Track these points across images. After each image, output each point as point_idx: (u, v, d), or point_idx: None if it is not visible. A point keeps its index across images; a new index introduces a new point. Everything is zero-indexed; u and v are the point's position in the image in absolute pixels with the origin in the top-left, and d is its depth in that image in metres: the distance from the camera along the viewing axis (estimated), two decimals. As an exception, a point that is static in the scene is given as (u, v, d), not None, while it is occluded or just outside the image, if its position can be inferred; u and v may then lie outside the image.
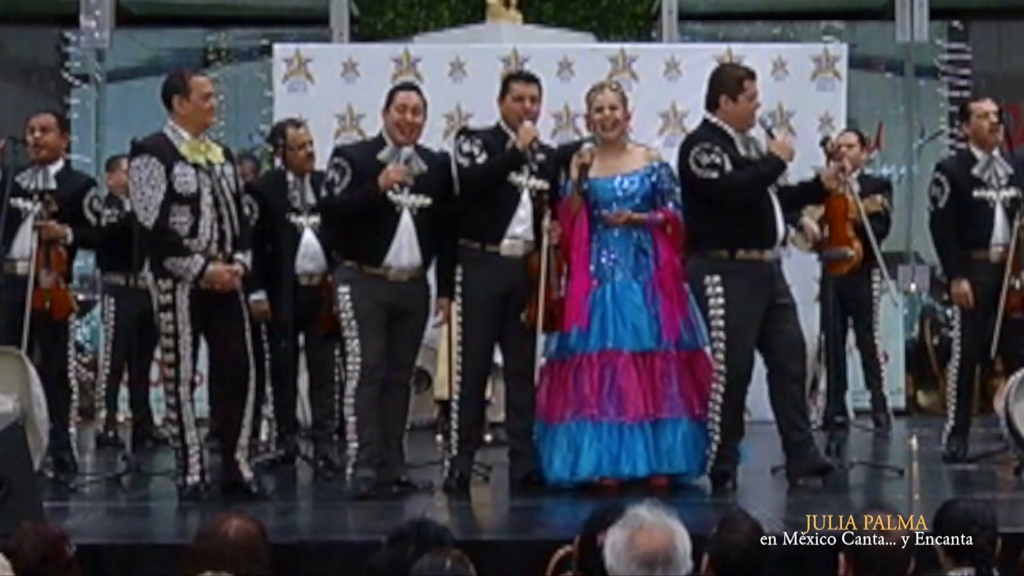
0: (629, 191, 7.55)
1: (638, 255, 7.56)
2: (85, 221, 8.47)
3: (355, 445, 7.39)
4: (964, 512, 4.64)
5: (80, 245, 8.61)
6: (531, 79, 7.85)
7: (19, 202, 8.30)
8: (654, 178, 7.60)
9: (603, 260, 7.55)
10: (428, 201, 7.43)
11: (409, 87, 7.79)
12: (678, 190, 7.62)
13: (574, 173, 7.55)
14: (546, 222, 7.46)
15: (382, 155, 7.44)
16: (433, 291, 7.62)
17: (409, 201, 7.41)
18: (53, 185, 8.36)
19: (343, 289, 7.43)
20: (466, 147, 7.59)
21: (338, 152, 7.68)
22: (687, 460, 7.46)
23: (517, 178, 7.55)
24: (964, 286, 8.24)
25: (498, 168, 7.53)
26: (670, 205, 7.57)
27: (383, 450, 7.48)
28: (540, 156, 7.63)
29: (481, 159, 7.56)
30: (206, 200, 7.21)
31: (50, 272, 8.18)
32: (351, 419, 7.41)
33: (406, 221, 7.39)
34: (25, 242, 8.23)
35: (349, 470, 7.47)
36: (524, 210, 7.54)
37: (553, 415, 7.52)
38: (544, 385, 7.64)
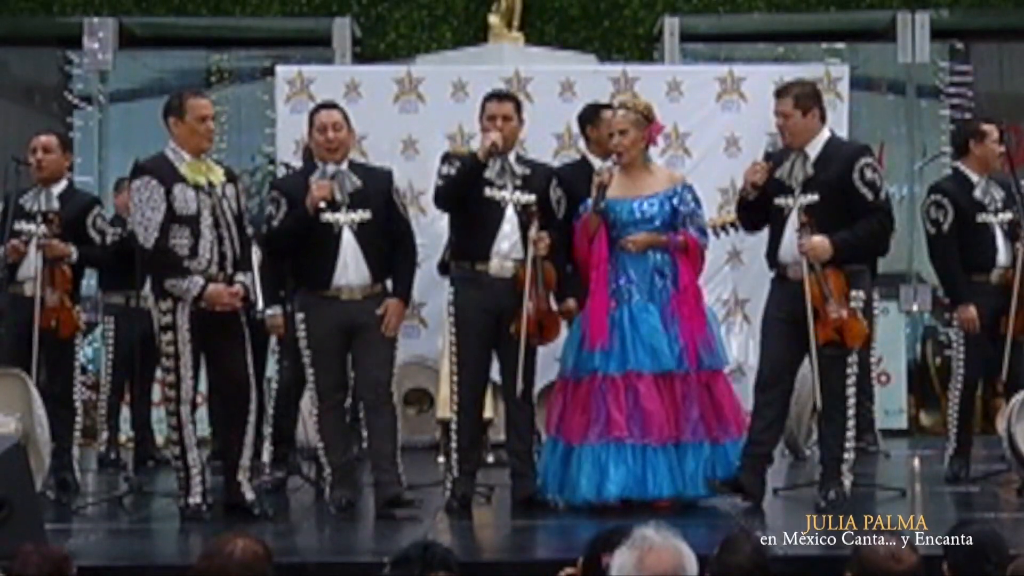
0: (648, 213, 7.55)
1: (654, 277, 7.55)
2: (89, 240, 8.47)
3: (328, 469, 7.54)
4: (975, 535, 4.61)
5: (85, 264, 8.60)
6: (504, 97, 7.88)
7: (23, 224, 8.30)
8: (676, 200, 7.59)
9: (620, 282, 7.55)
10: (367, 215, 7.44)
11: (327, 106, 7.81)
12: (701, 212, 7.66)
13: (592, 192, 7.55)
14: (532, 233, 7.44)
15: (313, 178, 7.47)
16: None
17: (347, 218, 7.42)
18: (56, 205, 8.36)
19: (299, 316, 7.54)
20: (444, 170, 7.63)
21: (272, 186, 7.92)
22: (707, 485, 7.49)
23: (500, 193, 7.56)
24: (971, 311, 8.23)
25: (458, 178, 7.53)
26: (691, 229, 7.58)
27: (356, 469, 7.70)
28: (523, 170, 7.63)
29: None
30: (206, 221, 7.22)
31: (55, 291, 8.19)
32: (319, 445, 7.55)
33: (347, 239, 7.41)
34: (32, 264, 8.23)
35: (327, 491, 7.57)
36: (509, 225, 7.54)
37: (574, 435, 7.48)
38: (558, 404, 7.63)
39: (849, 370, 7.40)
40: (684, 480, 7.42)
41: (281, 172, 9.39)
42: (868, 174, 7.40)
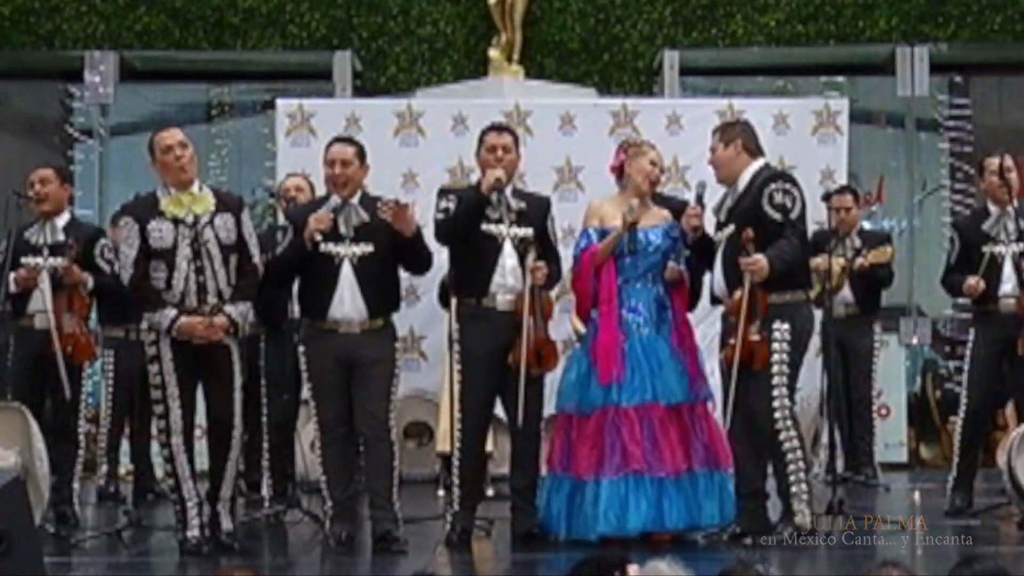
0: (653, 244, 7.60)
1: (660, 309, 7.61)
2: (99, 269, 8.46)
3: (329, 502, 7.51)
4: (981, 572, 4.57)
5: (99, 292, 8.56)
6: (503, 129, 7.90)
7: (29, 259, 8.29)
8: (674, 234, 7.66)
9: (626, 314, 7.56)
10: (370, 249, 7.42)
11: (341, 140, 7.83)
12: (685, 252, 7.70)
13: (600, 223, 7.59)
14: (529, 262, 7.46)
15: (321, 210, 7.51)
16: (396, 342, 7.58)
17: (348, 251, 7.42)
18: (62, 237, 8.36)
19: (301, 348, 7.55)
20: (442, 204, 7.64)
21: (285, 215, 7.93)
22: (721, 513, 7.49)
23: (497, 228, 7.57)
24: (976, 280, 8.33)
25: (460, 214, 7.55)
26: (681, 263, 7.66)
27: (356, 502, 7.66)
28: (519, 204, 7.64)
29: None
30: (183, 253, 7.20)
31: (72, 316, 8.19)
32: (321, 477, 7.52)
33: (346, 272, 7.40)
34: (42, 296, 8.21)
35: (327, 524, 7.53)
36: (511, 260, 7.55)
37: (583, 470, 7.44)
38: (560, 440, 7.62)
39: (775, 391, 7.25)
40: (700, 511, 7.44)
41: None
42: (777, 197, 7.35)
